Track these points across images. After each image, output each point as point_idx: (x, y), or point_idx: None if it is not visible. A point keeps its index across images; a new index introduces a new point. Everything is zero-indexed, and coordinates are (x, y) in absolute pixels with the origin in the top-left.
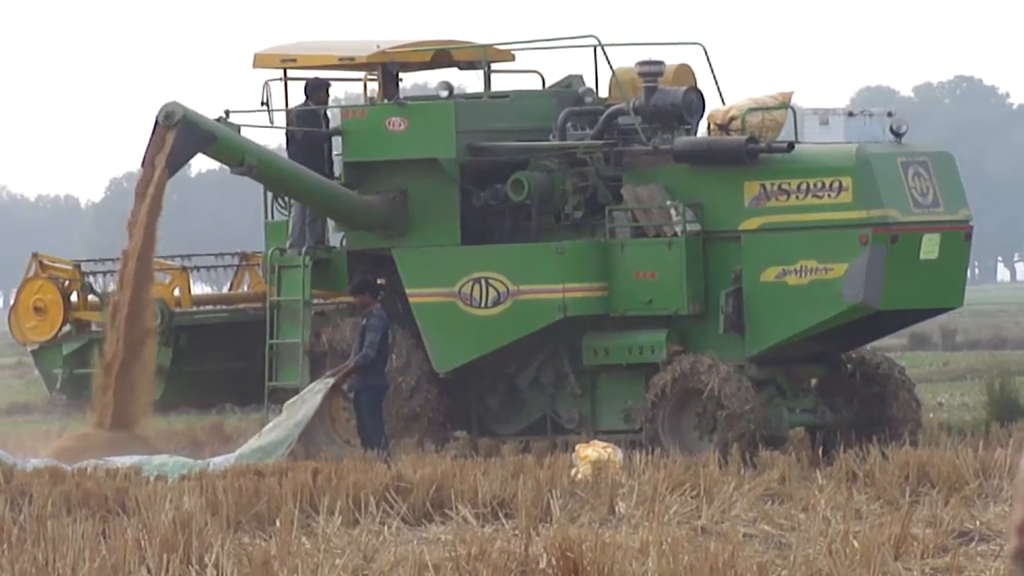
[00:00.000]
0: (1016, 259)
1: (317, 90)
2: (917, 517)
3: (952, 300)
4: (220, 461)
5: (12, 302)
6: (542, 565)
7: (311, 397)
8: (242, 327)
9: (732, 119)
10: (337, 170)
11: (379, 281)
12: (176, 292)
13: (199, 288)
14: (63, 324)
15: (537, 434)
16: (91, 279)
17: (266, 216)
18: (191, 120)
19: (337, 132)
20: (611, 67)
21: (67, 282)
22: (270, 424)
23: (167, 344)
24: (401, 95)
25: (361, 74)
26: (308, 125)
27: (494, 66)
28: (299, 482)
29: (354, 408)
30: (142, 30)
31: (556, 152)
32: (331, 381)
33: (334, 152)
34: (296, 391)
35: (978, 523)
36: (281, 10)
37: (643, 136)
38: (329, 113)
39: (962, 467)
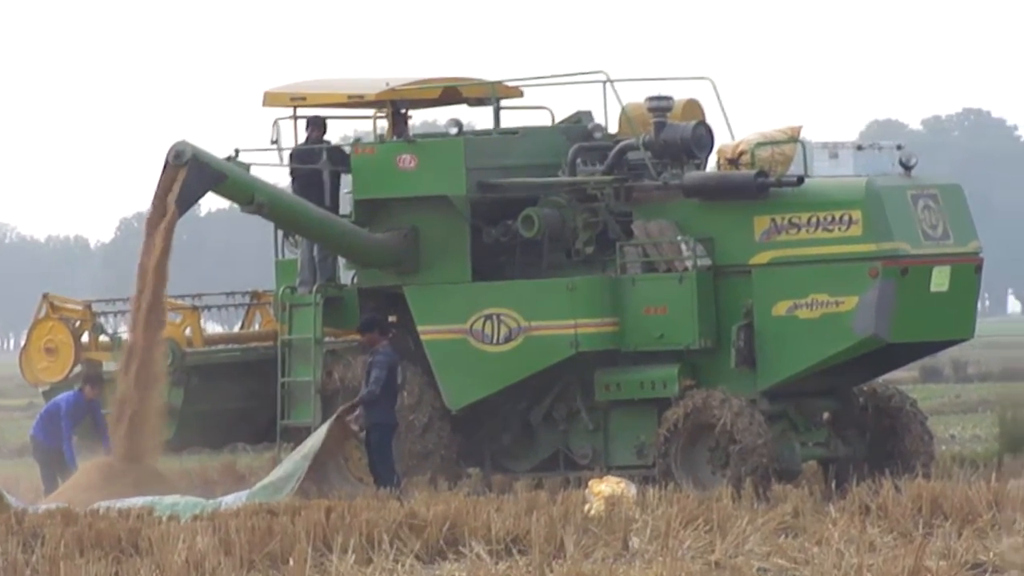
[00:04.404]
0: None
1: (315, 128)
2: (931, 549)
3: (963, 332)
4: (232, 500)
5: (23, 343)
6: None
7: (317, 431)
8: (254, 366)
9: (742, 153)
10: (346, 207)
11: (391, 319)
12: (187, 331)
13: (210, 327)
14: (74, 365)
15: (550, 470)
16: (102, 319)
17: (276, 254)
18: (201, 159)
19: (338, 169)
20: (620, 102)
21: (78, 323)
22: (281, 463)
23: (179, 384)
24: (410, 132)
25: (371, 112)
26: (306, 162)
27: (503, 102)
28: (312, 520)
29: (364, 446)
30: (152, 69)
31: (566, 188)
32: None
33: (344, 190)
34: (308, 429)
35: (991, 555)
36: (291, 49)
37: (653, 171)
38: (347, 150)
39: (975, 499)
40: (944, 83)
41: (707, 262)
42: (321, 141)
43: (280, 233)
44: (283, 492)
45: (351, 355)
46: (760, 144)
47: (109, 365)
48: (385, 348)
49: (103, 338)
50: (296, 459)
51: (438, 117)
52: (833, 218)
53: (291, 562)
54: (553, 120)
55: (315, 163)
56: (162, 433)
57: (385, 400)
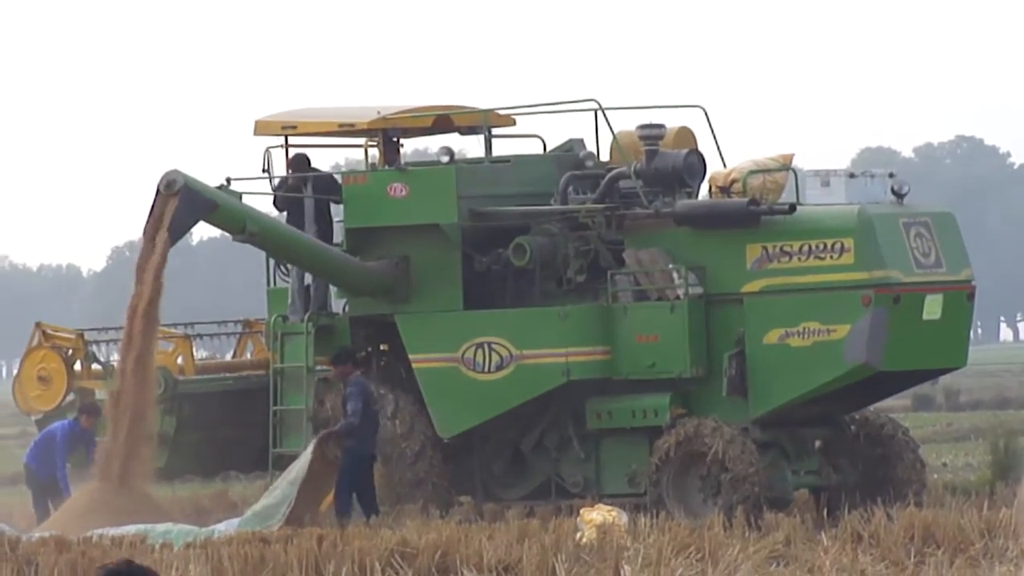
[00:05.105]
0: (1019, 319)
1: (299, 165)
2: None
3: (955, 360)
4: (223, 527)
5: (16, 372)
6: None
7: (302, 456)
8: (245, 394)
9: (733, 181)
10: (338, 236)
11: (384, 347)
12: (179, 360)
13: (202, 355)
14: (67, 393)
15: (542, 498)
16: (94, 348)
17: (268, 283)
18: (192, 188)
19: (329, 197)
20: (612, 131)
21: (70, 351)
22: (269, 490)
23: (171, 412)
24: (402, 161)
25: (362, 140)
26: (288, 198)
27: (495, 131)
28: (304, 548)
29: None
30: (143, 98)
31: (558, 216)
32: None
33: (336, 218)
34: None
35: None
36: (282, 77)
37: (644, 199)
38: (339, 178)
39: (967, 527)
40: (936, 110)
41: (699, 290)
42: (305, 180)
43: (272, 262)
44: (275, 518)
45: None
46: (752, 172)
47: (101, 393)
48: (358, 379)
49: (95, 366)
50: (283, 485)
51: (430, 145)
52: (825, 246)
53: None
54: (545, 148)
55: (299, 199)
56: (153, 460)
57: (364, 430)
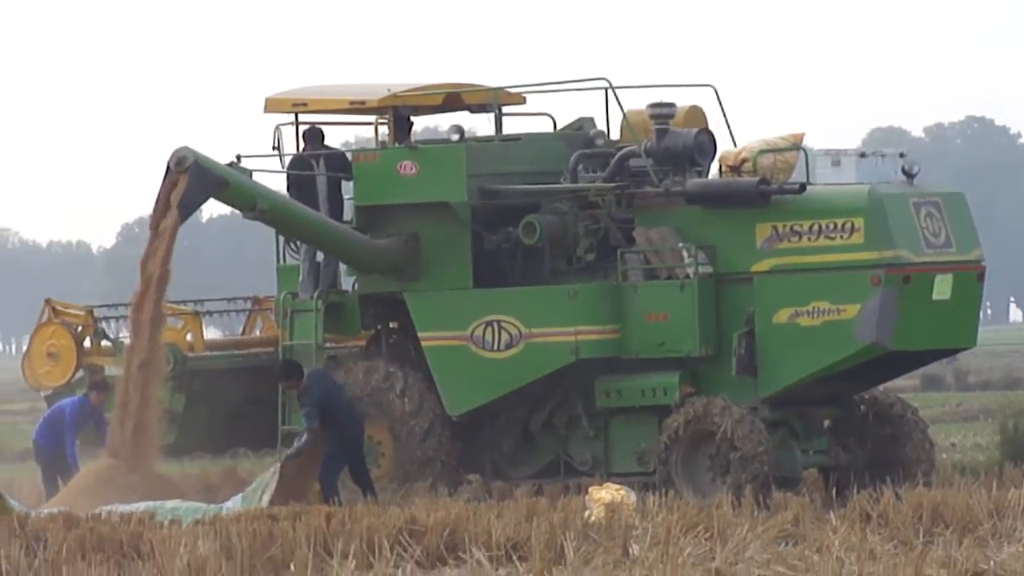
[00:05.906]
0: None
1: (313, 138)
2: (931, 558)
3: (965, 340)
4: (232, 504)
5: (25, 348)
6: None
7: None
8: (255, 371)
9: (744, 161)
10: (348, 214)
11: (393, 325)
12: (189, 337)
13: (211, 333)
14: (76, 369)
15: (550, 477)
16: (104, 324)
17: (278, 260)
18: (203, 165)
19: (340, 175)
20: (622, 109)
21: (80, 328)
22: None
23: (180, 389)
24: (412, 139)
25: (372, 118)
26: (302, 172)
27: (505, 109)
28: (313, 526)
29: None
30: (153, 75)
31: (568, 195)
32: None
33: (346, 196)
34: None
35: (992, 563)
36: (292, 55)
37: (655, 178)
38: (349, 155)
39: (976, 507)
40: (947, 91)
41: (708, 269)
42: (317, 158)
43: (282, 239)
44: (266, 486)
45: (352, 361)
46: (762, 151)
47: (111, 370)
48: (308, 390)
49: (105, 343)
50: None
51: (440, 123)
52: (835, 226)
53: (292, 567)
54: (555, 127)
55: (311, 172)
56: (161, 435)
57: (341, 421)
